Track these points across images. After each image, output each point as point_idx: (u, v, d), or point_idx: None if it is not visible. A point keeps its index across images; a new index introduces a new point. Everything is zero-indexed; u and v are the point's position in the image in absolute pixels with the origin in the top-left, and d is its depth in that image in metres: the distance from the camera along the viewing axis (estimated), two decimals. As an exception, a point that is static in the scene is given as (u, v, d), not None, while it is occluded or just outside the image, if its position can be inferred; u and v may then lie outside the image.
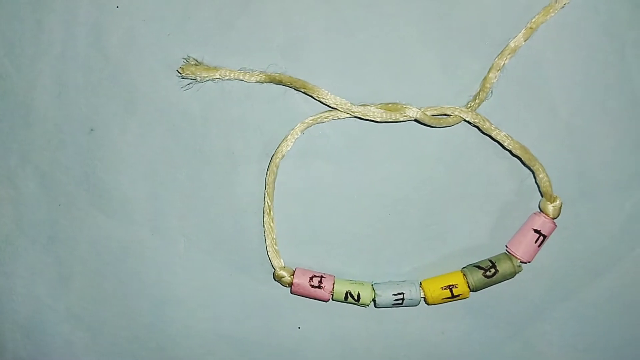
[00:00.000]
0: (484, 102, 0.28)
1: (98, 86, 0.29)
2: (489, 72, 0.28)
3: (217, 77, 0.28)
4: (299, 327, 0.31)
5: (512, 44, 0.28)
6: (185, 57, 0.28)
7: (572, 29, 0.28)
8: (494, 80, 0.28)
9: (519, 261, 0.29)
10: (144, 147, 0.29)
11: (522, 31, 0.28)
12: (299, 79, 0.28)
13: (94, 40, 0.29)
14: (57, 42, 0.29)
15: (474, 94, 0.28)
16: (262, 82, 0.28)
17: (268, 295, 0.30)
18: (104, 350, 0.31)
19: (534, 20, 0.27)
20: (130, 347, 0.31)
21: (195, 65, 0.28)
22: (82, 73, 0.29)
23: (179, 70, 0.28)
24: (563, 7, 0.27)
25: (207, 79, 0.28)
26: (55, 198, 0.30)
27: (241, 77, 0.28)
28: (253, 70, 0.28)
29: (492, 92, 0.28)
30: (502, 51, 0.28)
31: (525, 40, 0.28)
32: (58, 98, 0.29)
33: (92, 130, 0.29)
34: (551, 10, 0.27)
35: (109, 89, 0.29)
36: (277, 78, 0.28)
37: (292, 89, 0.28)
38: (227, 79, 0.28)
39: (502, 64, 0.28)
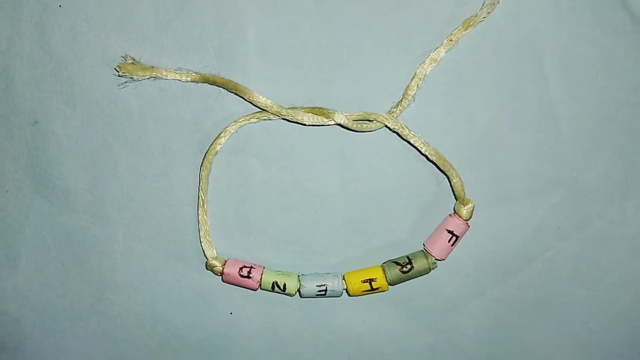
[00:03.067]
0: (406, 109, 0.30)
1: (42, 81, 0.30)
2: (411, 80, 0.29)
3: (153, 76, 0.29)
4: (231, 313, 0.33)
5: (432, 55, 0.29)
6: (124, 55, 0.30)
7: (493, 41, 0.30)
8: (416, 89, 0.29)
9: (434, 259, 0.31)
10: (84, 141, 0.31)
11: (444, 42, 0.29)
12: (231, 81, 0.29)
13: (38, 37, 0.30)
14: (3, 39, 0.30)
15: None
16: (197, 82, 0.30)
17: (202, 283, 0.32)
18: (48, 328, 0.33)
19: (453, 33, 0.29)
20: (72, 326, 0.33)
21: (132, 64, 0.29)
22: (27, 68, 0.30)
23: (116, 69, 0.29)
24: (482, 21, 0.29)
25: (144, 77, 0.29)
26: (3, 185, 0.32)
27: (176, 77, 0.30)
28: (188, 71, 0.30)
29: (414, 99, 0.30)
30: (423, 61, 0.29)
31: (445, 52, 0.29)
32: (5, 91, 0.31)
33: (36, 122, 0.31)
34: (471, 24, 0.29)
35: (51, 84, 0.30)
36: (210, 79, 0.30)
37: (226, 90, 0.30)
38: (163, 78, 0.30)
39: (424, 74, 0.29)
